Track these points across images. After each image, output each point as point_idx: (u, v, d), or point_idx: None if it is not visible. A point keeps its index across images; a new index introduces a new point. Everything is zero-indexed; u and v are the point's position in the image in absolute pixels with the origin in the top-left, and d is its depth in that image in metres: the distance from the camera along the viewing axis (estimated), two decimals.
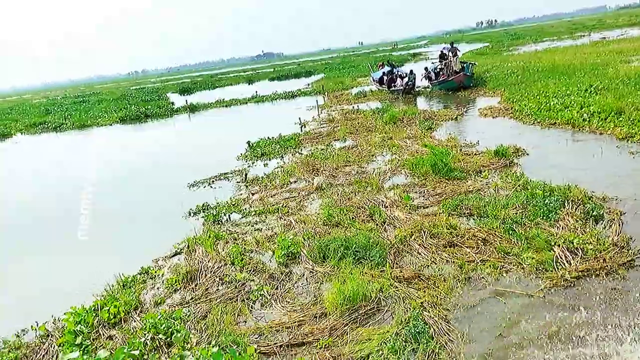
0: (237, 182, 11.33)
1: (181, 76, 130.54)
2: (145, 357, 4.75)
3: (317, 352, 4.59)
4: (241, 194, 10.27)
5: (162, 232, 8.79)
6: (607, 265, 5.32)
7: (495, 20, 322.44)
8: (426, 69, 24.71)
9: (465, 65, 22.63)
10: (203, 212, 9.33)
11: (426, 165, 9.40)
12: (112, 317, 5.61)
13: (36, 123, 32.90)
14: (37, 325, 5.76)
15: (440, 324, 4.75)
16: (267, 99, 31.15)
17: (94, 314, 5.64)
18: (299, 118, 18.84)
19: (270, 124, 19.20)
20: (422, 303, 5.10)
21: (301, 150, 13.87)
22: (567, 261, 5.49)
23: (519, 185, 7.93)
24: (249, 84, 53.47)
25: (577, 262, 5.46)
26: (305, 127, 17.78)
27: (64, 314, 5.62)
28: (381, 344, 4.52)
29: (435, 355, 4.34)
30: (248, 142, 15.11)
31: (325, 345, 4.68)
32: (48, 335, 5.51)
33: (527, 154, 10.12)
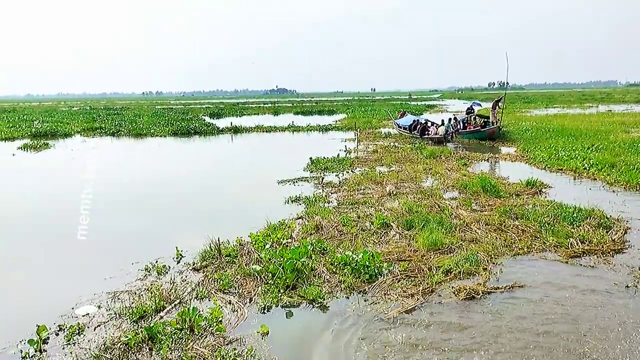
0: (316, 184, 14.43)
1: (199, 101, 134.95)
2: (312, 255, 7.80)
3: (415, 263, 7.69)
4: (320, 193, 13.26)
5: (274, 210, 11.16)
6: (603, 249, 8.21)
7: (508, 83, 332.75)
8: (456, 119, 27.92)
9: (487, 121, 25.97)
10: (297, 200, 12.31)
11: (477, 186, 12.36)
12: (280, 239, 8.66)
13: (93, 127, 36.42)
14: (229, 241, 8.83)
15: (487, 259, 7.85)
16: (302, 129, 34.69)
17: (268, 237, 8.76)
18: (345, 146, 22.01)
19: (313, 149, 21.99)
20: (476, 251, 8.11)
21: (354, 169, 16.91)
22: (577, 244, 8.43)
23: (553, 205, 10.67)
24: (275, 115, 57.13)
25: (584, 245, 8.37)
26: (350, 154, 20.88)
27: (249, 235, 8.73)
28: (451, 263, 7.57)
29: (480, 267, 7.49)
30: (310, 158, 18.24)
31: (419, 261, 7.77)
32: (242, 245, 8.52)
33: (552, 187, 13.07)
